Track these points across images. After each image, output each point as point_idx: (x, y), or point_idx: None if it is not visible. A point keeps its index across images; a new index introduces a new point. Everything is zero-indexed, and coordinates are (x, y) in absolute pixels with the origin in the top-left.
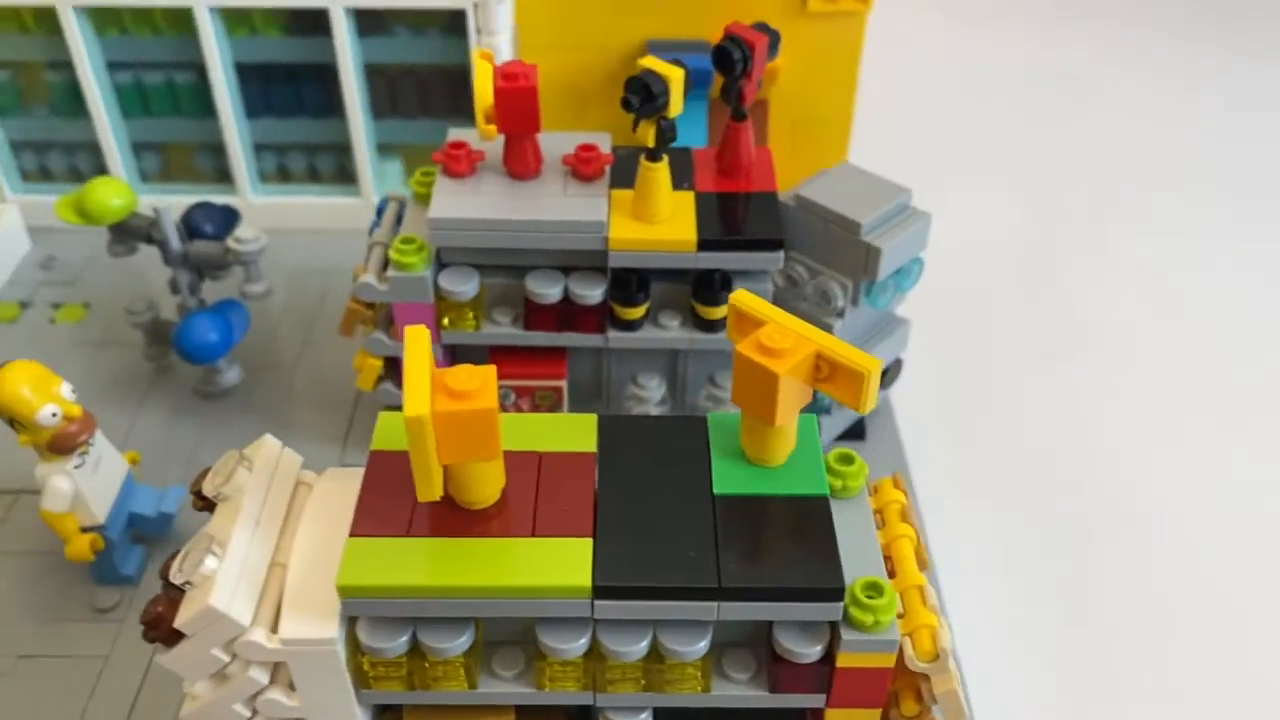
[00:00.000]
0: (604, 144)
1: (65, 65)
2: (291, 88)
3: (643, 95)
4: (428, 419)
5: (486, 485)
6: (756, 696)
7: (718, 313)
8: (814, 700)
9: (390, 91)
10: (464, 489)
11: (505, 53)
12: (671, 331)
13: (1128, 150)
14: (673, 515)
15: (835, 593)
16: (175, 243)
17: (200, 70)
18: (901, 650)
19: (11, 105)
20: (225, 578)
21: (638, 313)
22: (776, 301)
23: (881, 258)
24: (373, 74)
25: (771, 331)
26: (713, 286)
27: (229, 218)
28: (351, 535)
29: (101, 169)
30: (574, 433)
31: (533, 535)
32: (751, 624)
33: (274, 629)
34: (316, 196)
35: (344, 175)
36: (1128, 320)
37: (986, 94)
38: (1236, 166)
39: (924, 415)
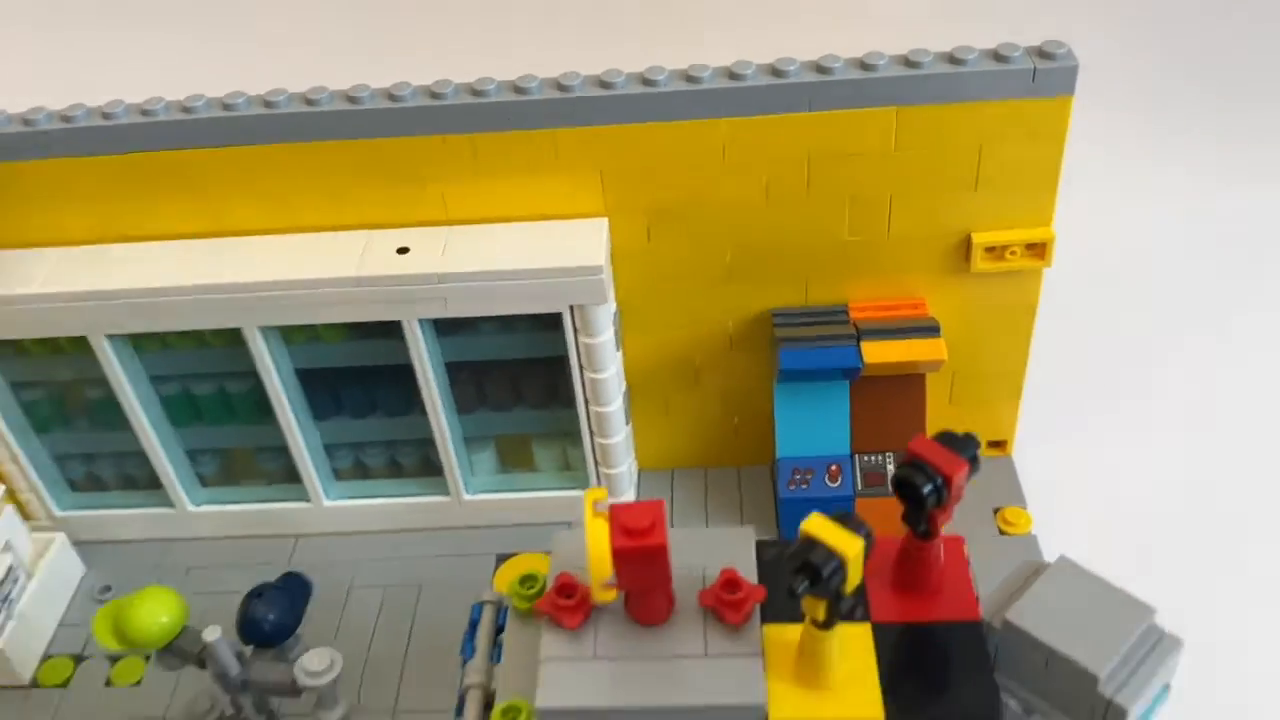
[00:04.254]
0: (749, 567)
1: (99, 382)
2: (362, 388)
3: (811, 575)
4: None
5: None
6: None
7: None
8: None
9: (478, 385)
10: None
11: (609, 349)
12: None
13: None
14: None
15: None
16: (234, 670)
17: (255, 377)
18: None
19: (51, 422)
20: None
21: None
22: None
23: (1127, 717)
24: (457, 369)
25: None
26: None
27: (295, 597)
28: None
29: (153, 477)
30: None
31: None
32: None
33: None
34: (397, 497)
35: (429, 468)
36: None
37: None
38: None
39: None
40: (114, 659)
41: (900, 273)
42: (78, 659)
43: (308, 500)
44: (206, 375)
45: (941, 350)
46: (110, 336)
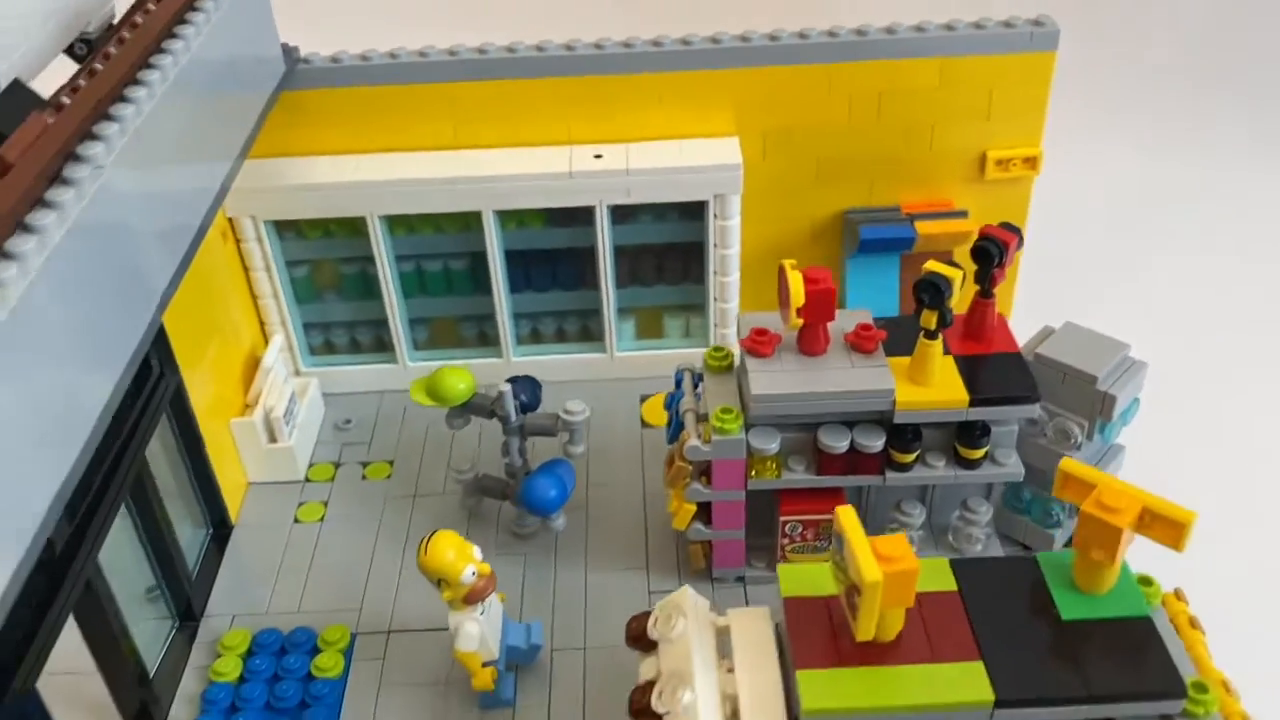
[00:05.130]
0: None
1: (359, 260)
2: (548, 267)
3: (932, 293)
4: (881, 583)
5: (895, 624)
6: None
7: (977, 454)
8: None
9: (631, 266)
10: (882, 631)
11: (735, 231)
12: (937, 470)
13: None
14: (1037, 641)
15: (1179, 692)
16: (514, 416)
17: (472, 256)
18: None
19: (307, 295)
20: (705, 709)
21: (910, 457)
22: (1019, 438)
23: (1116, 403)
24: (619, 252)
25: (1107, 492)
26: (973, 432)
27: (534, 387)
28: (797, 668)
29: (381, 341)
30: (934, 576)
31: (931, 661)
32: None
33: None
34: (565, 355)
35: (586, 334)
36: None
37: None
38: None
39: None
40: (364, 464)
41: (935, 181)
42: (336, 465)
43: (499, 358)
44: (436, 255)
45: (967, 226)
46: (381, 217)
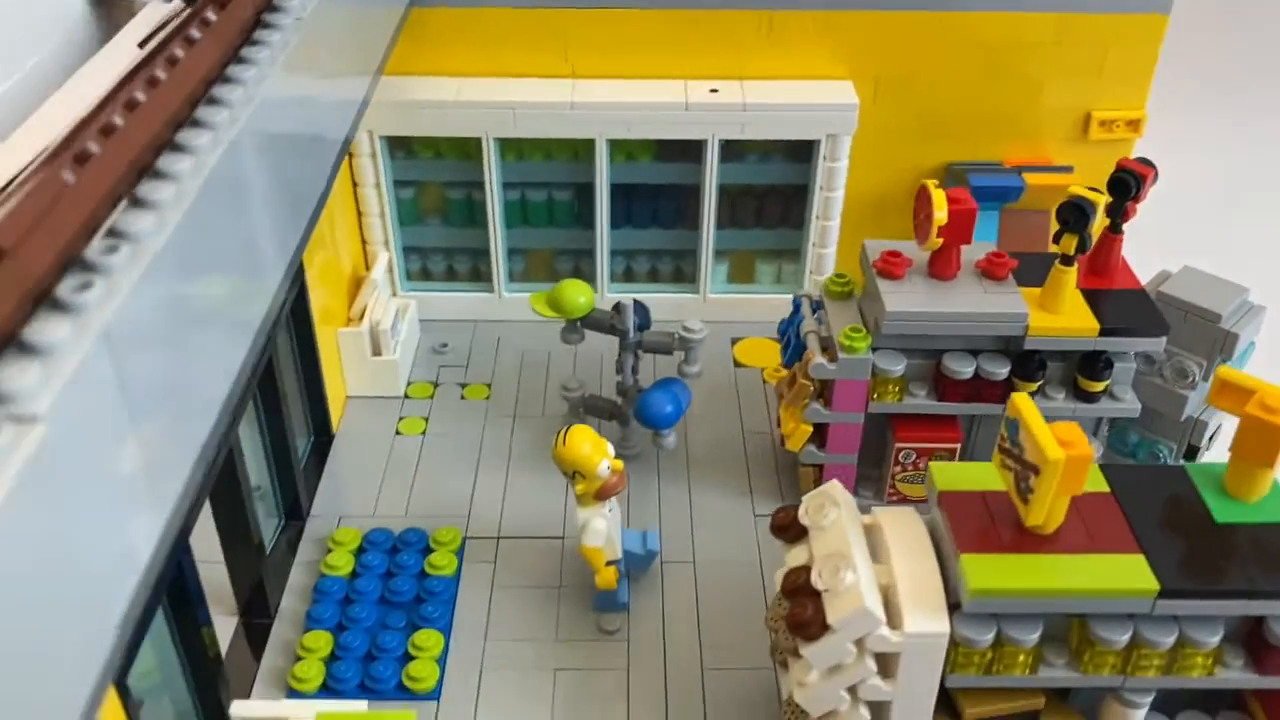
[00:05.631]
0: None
1: (465, 184)
2: (650, 203)
3: (1075, 215)
4: (1063, 461)
5: (1059, 515)
6: (1247, 679)
7: (1098, 387)
8: None
9: (731, 207)
10: (1048, 518)
11: (843, 174)
12: (1057, 402)
13: None
14: (1193, 539)
15: None
16: (633, 332)
17: (576, 188)
18: None
19: (411, 217)
20: (867, 588)
21: (1034, 387)
22: (1135, 376)
23: (1238, 342)
24: (721, 192)
25: (1270, 395)
26: (1097, 365)
27: (646, 311)
28: (960, 553)
29: (476, 270)
30: (1089, 479)
31: (1092, 551)
32: (1245, 621)
33: (895, 628)
34: (657, 294)
35: (679, 275)
36: None
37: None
38: None
39: None
40: (462, 385)
41: (1039, 138)
42: (434, 384)
43: (594, 293)
44: (541, 185)
45: (1072, 180)
46: (495, 140)
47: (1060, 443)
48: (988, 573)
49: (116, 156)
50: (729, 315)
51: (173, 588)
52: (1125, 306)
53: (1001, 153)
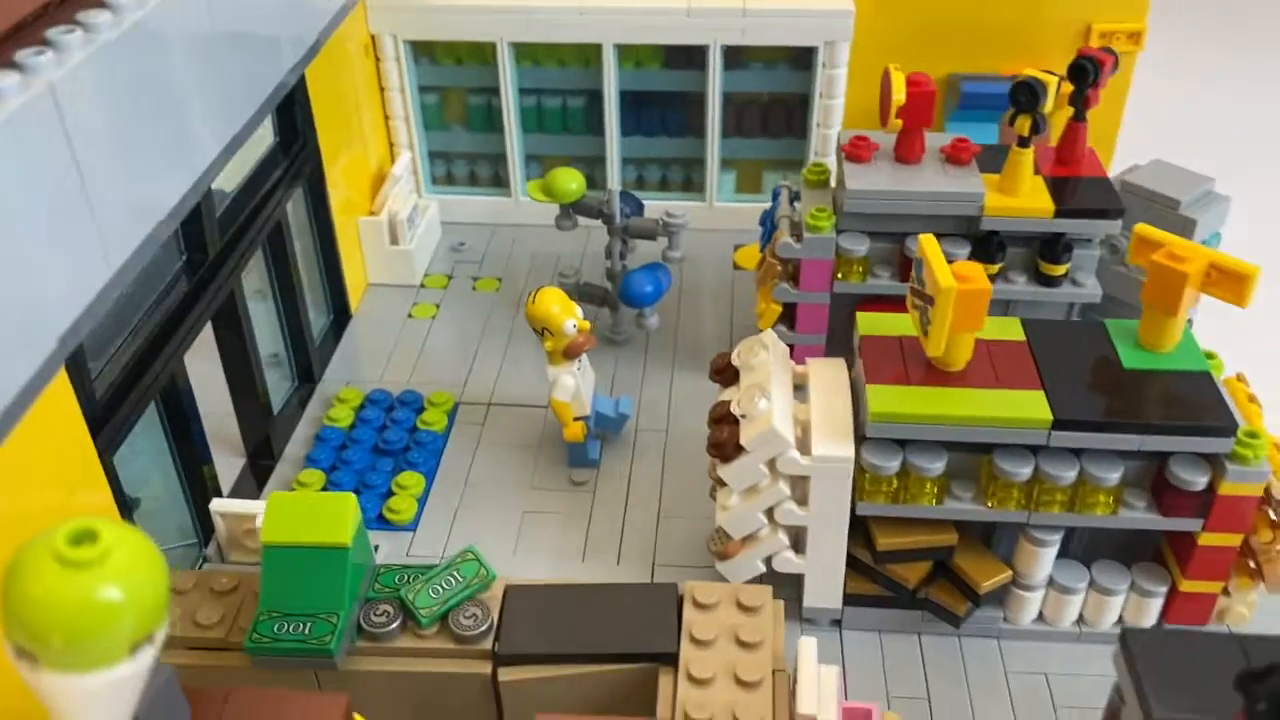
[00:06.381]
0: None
1: (485, 91)
2: (659, 112)
3: (1026, 95)
4: (954, 290)
5: (964, 352)
6: (1150, 520)
7: (1058, 270)
8: (1193, 524)
9: (737, 116)
10: (951, 355)
11: (842, 82)
12: (1019, 286)
13: None
14: (1097, 380)
15: (1229, 430)
16: (620, 217)
17: (589, 95)
18: (1268, 487)
19: (435, 122)
20: (777, 413)
21: (993, 269)
22: (1099, 265)
23: (1196, 228)
24: (726, 100)
25: (1176, 247)
26: (1055, 249)
27: (638, 205)
28: (869, 383)
29: (496, 176)
30: (1005, 328)
31: (996, 387)
32: (1147, 465)
33: (804, 453)
34: (666, 202)
35: (688, 185)
36: None
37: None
38: None
39: None
40: (474, 279)
41: (1038, 50)
42: (449, 276)
43: None
44: (556, 91)
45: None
46: (510, 44)
47: (957, 277)
48: (890, 400)
49: None
50: (734, 224)
51: (179, 431)
52: (1085, 191)
53: (1002, 65)
